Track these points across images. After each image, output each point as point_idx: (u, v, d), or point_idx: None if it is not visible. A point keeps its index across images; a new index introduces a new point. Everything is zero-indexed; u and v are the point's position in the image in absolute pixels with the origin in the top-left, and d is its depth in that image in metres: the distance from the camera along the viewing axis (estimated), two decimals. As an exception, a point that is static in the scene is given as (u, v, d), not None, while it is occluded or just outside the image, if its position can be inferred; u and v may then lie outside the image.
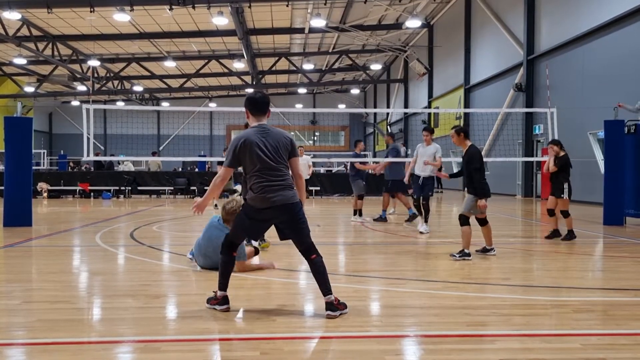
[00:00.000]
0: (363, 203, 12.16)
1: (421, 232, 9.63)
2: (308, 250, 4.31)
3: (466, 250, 6.95)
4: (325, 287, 4.24)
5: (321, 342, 3.71)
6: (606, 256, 7.64)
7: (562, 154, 8.83)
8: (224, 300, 4.38)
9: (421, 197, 9.95)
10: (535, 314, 4.40)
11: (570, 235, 8.78)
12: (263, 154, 4.27)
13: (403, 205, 12.02)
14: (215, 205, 14.27)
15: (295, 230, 4.31)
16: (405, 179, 11.09)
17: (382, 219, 11.77)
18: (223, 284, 4.42)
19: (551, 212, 9.08)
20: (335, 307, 4.18)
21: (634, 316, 4.28)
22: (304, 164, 14.04)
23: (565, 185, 8.79)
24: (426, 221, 9.92)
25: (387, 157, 12.03)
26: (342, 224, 11.80)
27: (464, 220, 7.01)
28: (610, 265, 6.86)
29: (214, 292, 4.49)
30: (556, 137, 14.93)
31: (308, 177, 14.05)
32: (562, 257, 7.29)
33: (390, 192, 11.96)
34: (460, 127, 7.29)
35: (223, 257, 4.43)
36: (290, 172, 4.43)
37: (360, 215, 11.93)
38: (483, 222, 7.25)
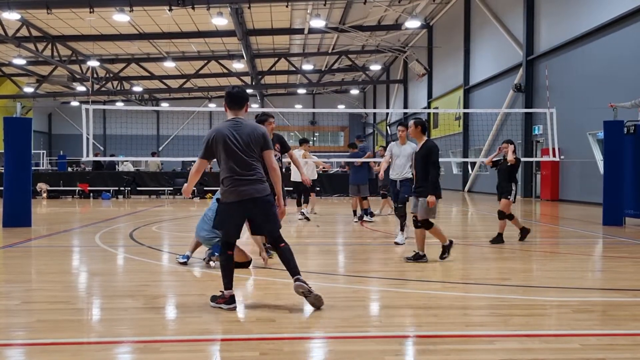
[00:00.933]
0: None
1: (397, 243, 8.22)
2: (277, 240, 4.56)
3: (445, 244, 6.78)
4: (294, 270, 4.49)
5: (321, 342, 3.71)
6: (605, 256, 7.64)
7: (513, 156, 8.29)
8: (232, 300, 4.43)
9: (397, 202, 8.67)
10: (534, 314, 4.40)
11: (499, 239, 8.28)
12: (234, 146, 4.39)
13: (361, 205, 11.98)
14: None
15: (265, 222, 4.54)
16: (380, 175, 9.95)
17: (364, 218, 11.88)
18: (228, 283, 4.47)
19: (510, 216, 8.47)
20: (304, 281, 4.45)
21: (633, 316, 4.29)
22: (311, 164, 13.61)
23: (514, 187, 8.38)
24: (402, 229, 8.48)
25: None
26: (342, 223, 11.80)
27: (427, 225, 6.61)
28: (609, 265, 6.86)
29: (220, 291, 4.51)
30: (556, 139, 14.99)
31: (315, 176, 13.75)
32: (561, 258, 7.29)
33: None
34: (420, 120, 6.85)
35: (221, 257, 4.55)
36: (267, 165, 4.59)
37: (372, 214, 12.03)
38: (429, 225, 6.66)
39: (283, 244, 4.54)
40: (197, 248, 6.56)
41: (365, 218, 11.79)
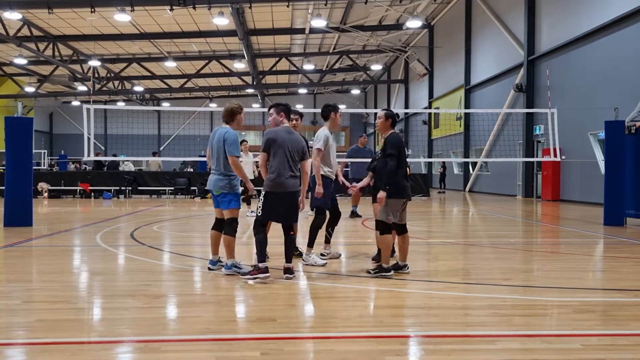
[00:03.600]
0: None
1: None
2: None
3: (384, 265, 5.73)
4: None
5: (321, 342, 3.70)
6: (606, 257, 7.63)
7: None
8: (266, 270, 5.46)
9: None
10: (535, 314, 4.40)
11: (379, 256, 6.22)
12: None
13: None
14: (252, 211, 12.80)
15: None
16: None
17: (356, 214, 12.27)
18: (262, 257, 5.54)
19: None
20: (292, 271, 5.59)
21: (634, 317, 4.28)
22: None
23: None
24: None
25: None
26: (342, 224, 11.79)
27: (383, 227, 5.68)
28: (610, 265, 6.86)
29: (252, 265, 5.58)
30: (557, 139, 14.99)
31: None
32: (562, 258, 7.28)
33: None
34: (390, 112, 5.98)
35: (257, 236, 5.60)
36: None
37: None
38: (403, 229, 5.92)
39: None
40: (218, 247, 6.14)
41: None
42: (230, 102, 6.08)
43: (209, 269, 6.01)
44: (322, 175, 6.54)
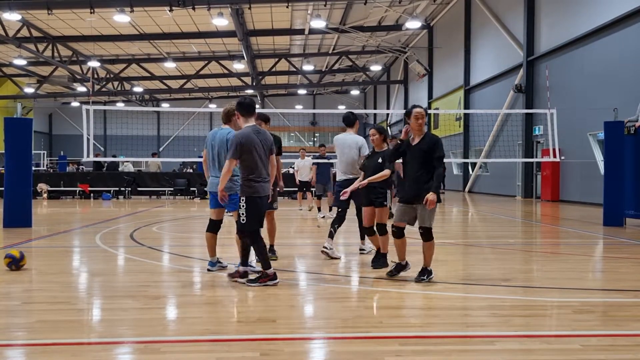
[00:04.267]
0: None
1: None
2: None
3: (429, 268, 5.55)
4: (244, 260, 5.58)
5: (321, 343, 3.70)
6: (606, 257, 7.63)
7: (385, 147, 6.61)
8: (275, 276, 5.30)
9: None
10: (535, 315, 4.40)
11: (380, 261, 6.28)
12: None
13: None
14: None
15: None
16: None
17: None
18: (267, 263, 5.32)
19: (373, 231, 6.51)
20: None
21: (634, 317, 4.28)
22: (307, 166, 14.17)
23: (388, 191, 6.46)
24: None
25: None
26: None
27: (428, 234, 5.46)
28: (610, 266, 6.86)
29: (258, 272, 5.38)
30: (556, 139, 15.00)
31: (309, 179, 14.21)
32: (562, 258, 7.29)
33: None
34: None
35: (260, 242, 5.37)
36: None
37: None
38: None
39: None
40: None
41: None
42: (230, 103, 6.09)
43: (208, 270, 5.99)
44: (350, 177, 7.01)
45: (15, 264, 6.03)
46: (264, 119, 6.65)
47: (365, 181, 6.19)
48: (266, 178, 5.43)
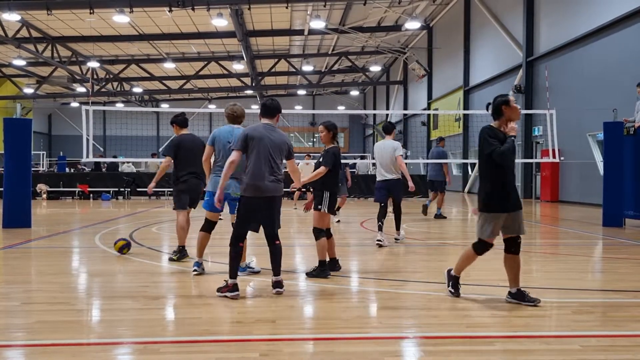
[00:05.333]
0: None
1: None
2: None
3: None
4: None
5: (321, 343, 3.70)
6: (605, 258, 7.64)
7: (334, 144, 6.23)
8: (235, 287, 4.83)
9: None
10: (534, 315, 4.40)
11: (323, 270, 5.81)
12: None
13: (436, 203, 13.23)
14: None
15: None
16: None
17: (441, 216, 12.96)
18: (234, 273, 4.90)
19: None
20: (282, 285, 5.03)
21: (633, 318, 4.28)
22: (309, 169, 14.07)
23: (327, 194, 5.95)
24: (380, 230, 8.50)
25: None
26: (341, 224, 11.79)
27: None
28: (609, 266, 6.86)
29: (225, 280, 4.91)
30: (556, 140, 14.98)
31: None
32: (561, 259, 7.29)
33: (436, 191, 13.29)
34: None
35: (232, 248, 4.95)
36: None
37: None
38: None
39: (278, 241, 5.14)
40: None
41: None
42: (236, 104, 6.01)
43: (195, 271, 5.85)
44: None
45: (128, 247, 7.04)
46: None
47: (297, 183, 5.48)
48: (266, 178, 4.95)
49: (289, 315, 4.33)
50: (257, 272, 5.96)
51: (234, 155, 4.97)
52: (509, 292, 4.75)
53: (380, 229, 8.19)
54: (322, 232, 5.88)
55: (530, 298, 4.61)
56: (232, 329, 4.04)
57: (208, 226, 6.00)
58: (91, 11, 20.68)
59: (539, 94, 20.52)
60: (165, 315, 4.43)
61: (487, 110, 4.80)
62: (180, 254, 6.83)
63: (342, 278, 5.89)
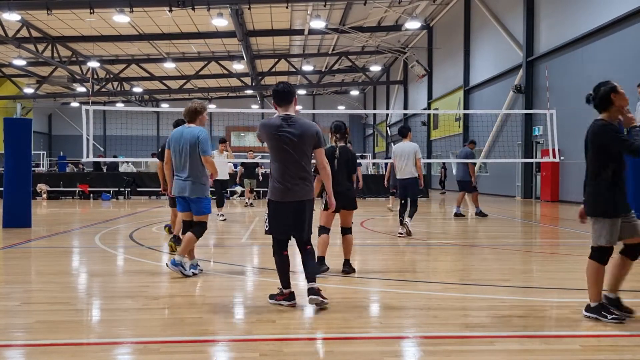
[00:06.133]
0: None
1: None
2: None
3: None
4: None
5: (320, 343, 3.70)
6: (606, 257, 7.62)
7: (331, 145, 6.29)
8: (291, 296, 4.56)
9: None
10: (534, 315, 4.40)
11: (321, 265, 5.92)
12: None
13: (471, 202, 13.77)
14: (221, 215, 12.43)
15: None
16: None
17: (461, 215, 13.23)
18: (286, 282, 4.58)
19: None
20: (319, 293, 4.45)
21: (633, 317, 4.28)
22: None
23: (324, 193, 5.46)
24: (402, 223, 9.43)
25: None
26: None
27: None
28: (609, 266, 6.84)
29: (279, 288, 4.63)
30: (556, 139, 14.98)
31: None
32: (561, 259, 7.29)
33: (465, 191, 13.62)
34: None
35: (276, 257, 4.60)
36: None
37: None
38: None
39: (309, 246, 4.67)
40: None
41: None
42: (193, 102, 5.94)
43: (193, 274, 5.79)
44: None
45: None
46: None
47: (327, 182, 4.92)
48: (289, 180, 4.40)
49: (289, 315, 4.33)
50: (188, 275, 5.79)
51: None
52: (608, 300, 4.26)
53: (401, 223, 9.23)
54: (321, 229, 6.00)
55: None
56: (232, 328, 4.04)
57: (188, 227, 5.91)
58: (91, 11, 20.69)
59: (539, 94, 20.51)
60: (165, 315, 4.43)
61: (589, 102, 4.27)
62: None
63: (342, 278, 5.89)
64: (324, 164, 4.59)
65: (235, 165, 18.42)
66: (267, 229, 4.60)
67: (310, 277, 4.52)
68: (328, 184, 4.70)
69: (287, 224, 4.50)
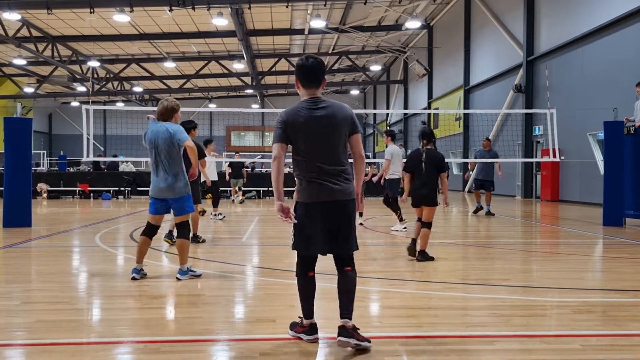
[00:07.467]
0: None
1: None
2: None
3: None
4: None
5: (321, 343, 3.70)
6: (606, 257, 7.63)
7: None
8: (312, 329, 3.65)
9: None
10: (535, 314, 4.40)
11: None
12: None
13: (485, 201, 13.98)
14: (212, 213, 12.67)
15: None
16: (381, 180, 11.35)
17: (490, 213, 13.64)
18: (308, 310, 3.67)
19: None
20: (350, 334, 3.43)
21: (633, 317, 4.28)
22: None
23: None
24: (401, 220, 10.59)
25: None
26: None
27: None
28: (609, 266, 6.86)
29: (300, 317, 3.76)
30: (556, 139, 14.97)
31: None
32: (561, 258, 7.29)
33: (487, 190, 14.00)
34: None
35: (299, 279, 3.70)
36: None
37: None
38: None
39: (349, 268, 3.74)
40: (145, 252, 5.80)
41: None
42: (167, 100, 5.74)
43: (134, 278, 5.54)
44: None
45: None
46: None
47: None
48: (325, 174, 3.50)
49: (289, 314, 4.33)
50: (200, 275, 5.75)
51: (276, 150, 3.49)
52: None
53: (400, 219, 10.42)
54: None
55: None
56: (232, 328, 4.04)
57: (150, 230, 5.78)
58: (91, 10, 20.68)
59: (539, 94, 20.51)
60: (165, 315, 4.43)
61: None
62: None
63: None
64: (361, 154, 3.59)
65: (244, 164, 19.20)
66: (292, 242, 3.63)
67: (345, 312, 3.51)
68: (360, 179, 3.63)
69: (321, 234, 3.53)
